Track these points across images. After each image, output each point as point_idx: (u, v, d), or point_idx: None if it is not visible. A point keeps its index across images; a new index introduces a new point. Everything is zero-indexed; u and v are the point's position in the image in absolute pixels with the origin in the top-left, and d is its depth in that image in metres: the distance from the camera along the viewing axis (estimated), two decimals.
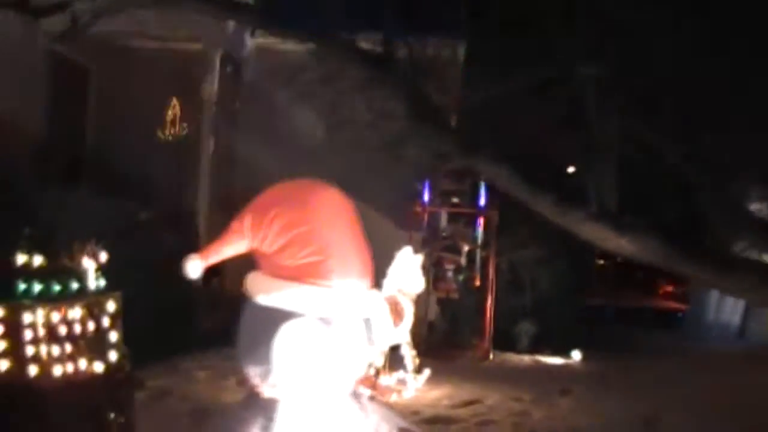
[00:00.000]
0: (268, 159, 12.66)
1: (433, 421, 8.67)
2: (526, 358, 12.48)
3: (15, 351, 6.48)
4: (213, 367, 10.35)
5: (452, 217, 12.54)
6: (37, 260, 6.56)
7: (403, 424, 5.15)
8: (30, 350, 6.45)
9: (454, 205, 11.87)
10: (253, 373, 4.79)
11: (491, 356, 11.99)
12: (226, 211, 12.33)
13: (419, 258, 9.81)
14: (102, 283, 7.01)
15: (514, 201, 11.81)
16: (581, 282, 13.63)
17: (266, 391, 4.82)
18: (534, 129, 7.86)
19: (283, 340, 4.68)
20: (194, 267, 4.89)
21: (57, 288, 6.60)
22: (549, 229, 12.60)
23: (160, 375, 9.18)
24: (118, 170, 11.59)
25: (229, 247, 4.86)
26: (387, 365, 9.37)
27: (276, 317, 4.72)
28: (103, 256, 7.06)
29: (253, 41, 12.52)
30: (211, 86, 11.98)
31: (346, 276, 4.81)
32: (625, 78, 7.53)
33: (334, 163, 12.61)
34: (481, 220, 12.30)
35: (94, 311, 6.90)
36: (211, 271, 9.87)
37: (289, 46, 12.69)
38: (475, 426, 8.60)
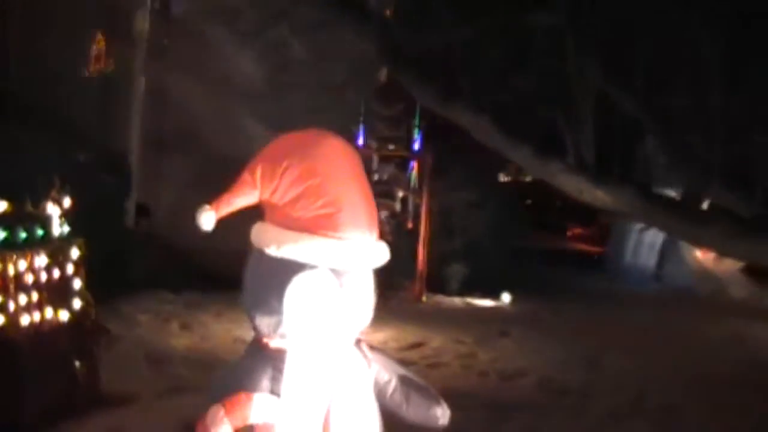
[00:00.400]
0: (202, 99, 12.46)
1: None
2: (457, 300, 12.67)
3: None
4: (152, 311, 10.26)
5: (387, 162, 12.54)
6: (0, 206, 6.34)
7: (402, 371, 5.19)
8: None
9: (391, 151, 11.86)
10: (262, 323, 4.77)
11: (424, 298, 12.13)
12: (158, 152, 12.17)
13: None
14: (66, 229, 6.83)
15: (447, 146, 12.01)
16: (510, 225, 13.85)
17: (274, 341, 4.82)
18: (505, 76, 7.85)
19: (295, 291, 4.66)
20: (208, 218, 4.81)
21: (23, 235, 6.39)
22: (480, 174, 12.87)
23: (105, 320, 9.01)
24: (44, 107, 11.23)
25: (241, 198, 4.79)
26: None
27: (288, 268, 4.69)
28: (67, 202, 6.87)
29: None
30: (143, 21, 11.59)
31: (357, 228, 4.79)
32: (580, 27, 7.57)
33: (270, 104, 12.53)
34: (414, 164, 12.34)
35: (58, 258, 6.75)
36: (141, 213, 9.73)
37: None
38: (427, 368, 8.73)
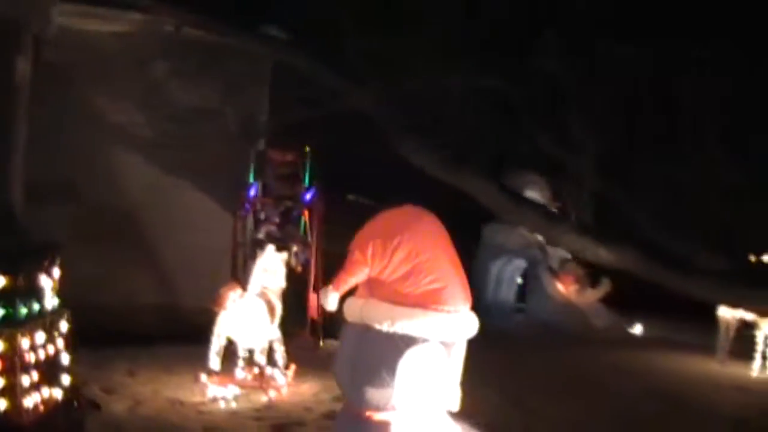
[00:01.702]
0: (83, 147, 12.02)
1: (332, 416, 8.76)
2: None
3: None
4: None
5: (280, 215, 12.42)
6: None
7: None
8: (0, 382, 5.90)
9: (287, 209, 11.80)
10: (372, 397, 4.83)
11: (321, 344, 12.14)
12: (44, 203, 11.53)
13: (282, 256, 9.90)
14: (56, 301, 6.51)
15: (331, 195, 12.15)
16: None
17: (380, 414, 4.88)
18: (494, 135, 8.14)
19: (409, 364, 4.78)
20: (333, 299, 4.86)
21: (23, 311, 6.04)
22: (362, 218, 13.08)
23: None
24: None
25: (355, 277, 4.89)
26: (247, 363, 9.43)
27: (400, 343, 4.80)
28: (57, 273, 6.54)
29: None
30: (25, 65, 10.98)
31: (461, 300, 5.00)
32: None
33: (155, 154, 12.27)
34: (305, 215, 12.29)
35: (52, 333, 6.41)
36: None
37: (93, 26, 12.06)
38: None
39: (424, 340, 4.84)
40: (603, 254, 7.32)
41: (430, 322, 4.85)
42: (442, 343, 4.92)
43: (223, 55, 11.83)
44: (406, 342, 4.82)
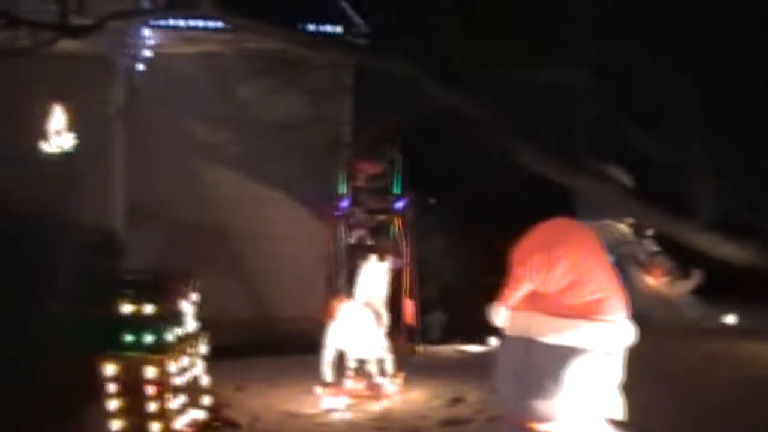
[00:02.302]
0: (175, 168, 12.22)
1: (448, 423, 8.85)
2: (447, 348, 12.85)
3: (136, 408, 6.05)
4: None
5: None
6: (148, 309, 6.11)
7: None
8: (152, 406, 6.04)
9: (379, 223, 11.84)
10: (537, 409, 4.88)
11: (419, 349, 12.24)
12: (143, 225, 11.77)
13: (385, 265, 9.98)
14: (196, 325, 6.65)
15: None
16: (482, 267, 14.15)
17: (544, 425, 4.93)
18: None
19: (575, 375, 4.82)
20: (501, 315, 4.92)
21: (169, 336, 6.18)
22: (447, 222, 13.18)
23: None
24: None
25: (519, 292, 4.93)
26: (356, 373, 9.52)
27: (565, 354, 4.84)
28: (196, 297, 6.69)
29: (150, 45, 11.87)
30: (119, 93, 11.28)
31: (622, 310, 5.02)
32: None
33: (246, 171, 12.43)
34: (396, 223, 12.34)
35: (194, 356, 6.55)
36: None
37: (180, 49, 12.26)
38: (487, 422, 8.84)
39: (588, 351, 4.87)
40: (729, 251, 7.31)
41: (594, 332, 4.88)
42: (605, 352, 4.95)
43: (306, 67, 11.95)
44: (570, 353, 4.85)
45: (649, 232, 6.33)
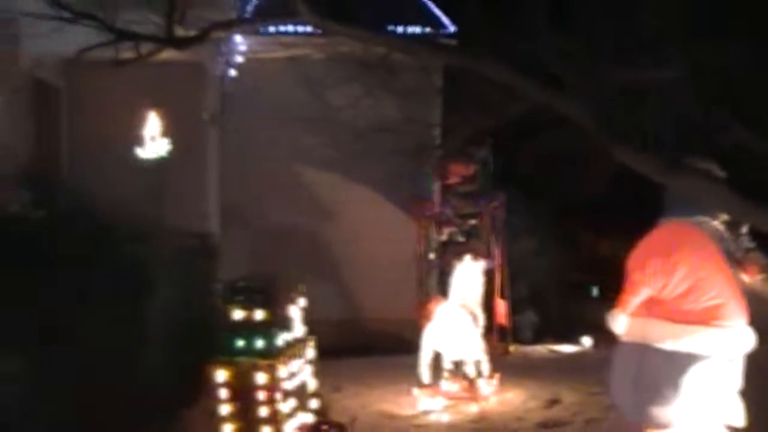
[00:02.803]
0: (270, 171, 12.38)
1: (546, 425, 8.84)
2: (540, 348, 12.83)
3: (246, 412, 6.15)
4: None
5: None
6: (259, 315, 6.20)
7: None
8: (263, 410, 6.13)
9: (472, 227, 11.82)
10: (654, 415, 4.87)
11: (511, 349, 12.23)
12: (235, 229, 11.95)
13: (480, 265, 9.93)
14: (303, 329, 6.74)
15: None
16: (572, 267, 14.15)
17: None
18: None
19: (694, 381, 4.79)
20: (621, 322, 4.91)
21: (278, 341, 6.27)
22: (537, 221, 13.13)
23: None
24: (96, 194, 10.94)
25: (637, 298, 4.91)
26: (452, 374, 9.50)
27: (684, 361, 4.81)
28: (303, 302, 6.78)
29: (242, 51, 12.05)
30: (213, 99, 11.47)
31: (741, 315, 4.97)
32: None
33: (340, 172, 12.52)
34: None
35: (302, 360, 6.65)
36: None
37: (271, 54, 12.38)
38: (586, 424, 8.83)
39: (706, 357, 4.84)
40: None
41: (712, 338, 4.85)
42: (723, 358, 4.91)
43: (396, 70, 11.95)
44: (689, 359, 4.83)
45: (744, 229, 6.23)
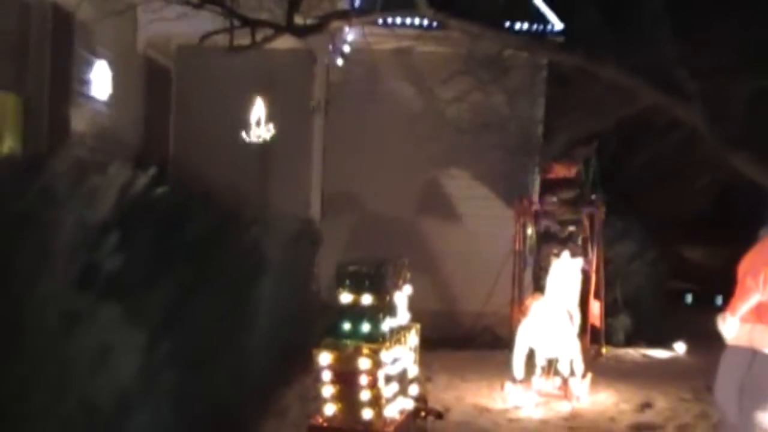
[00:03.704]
0: (364, 160, 12.56)
1: (638, 428, 8.83)
2: (632, 352, 12.79)
3: (349, 395, 6.31)
4: None
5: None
6: (367, 299, 6.35)
7: None
8: (365, 395, 6.27)
9: (570, 235, 11.74)
10: (759, 420, 4.91)
11: (604, 350, 12.21)
12: (335, 217, 12.16)
13: (578, 262, 9.89)
14: (408, 316, 6.88)
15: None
16: (668, 273, 14.06)
17: None
18: None
19: None
20: (731, 324, 4.96)
21: (383, 327, 6.41)
22: (636, 225, 13.04)
23: None
24: (202, 177, 11.20)
25: (747, 303, 4.94)
26: (544, 371, 9.50)
27: None
28: (408, 289, 6.92)
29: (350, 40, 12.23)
30: (320, 87, 11.69)
31: None
32: None
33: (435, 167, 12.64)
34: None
35: (404, 346, 6.78)
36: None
37: (377, 45, 12.52)
38: (677, 430, 8.79)
39: None
40: None
41: None
42: None
43: (502, 67, 12.03)
44: None
45: None
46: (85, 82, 9.79)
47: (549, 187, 12.05)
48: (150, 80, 11.84)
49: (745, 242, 5.38)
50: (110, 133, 10.32)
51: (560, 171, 11.90)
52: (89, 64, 9.84)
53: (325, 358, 6.31)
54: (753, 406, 4.68)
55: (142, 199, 5.37)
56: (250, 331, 7.31)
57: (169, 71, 12.70)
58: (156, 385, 4.93)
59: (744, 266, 4.87)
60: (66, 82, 9.29)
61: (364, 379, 6.19)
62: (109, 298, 4.24)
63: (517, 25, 13.08)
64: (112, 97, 10.34)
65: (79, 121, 9.46)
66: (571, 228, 11.39)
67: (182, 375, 5.38)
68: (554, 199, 11.61)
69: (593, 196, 11.82)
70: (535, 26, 13.22)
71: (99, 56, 10.01)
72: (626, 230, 13.04)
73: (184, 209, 5.35)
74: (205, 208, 6.09)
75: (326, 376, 6.34)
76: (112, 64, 10.37)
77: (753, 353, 4.74)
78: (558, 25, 13.41)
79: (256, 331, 7.43)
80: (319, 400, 6.41)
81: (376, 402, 6.24)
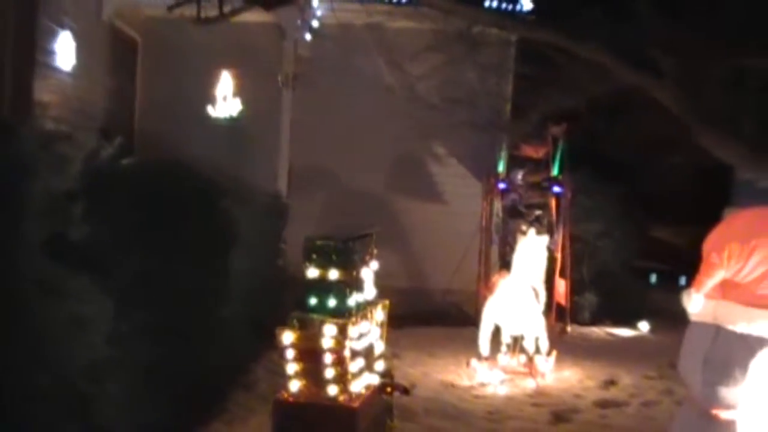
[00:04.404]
0: (334, 136, 12.53)
1: (603, 405, 8.89)
2: (597, 330, 12.88)
3: (314, 370, 6.29)
4: None
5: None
6: (334, 274, 6.31)
7: None
8: (330, 372, 6.26)
9: (537, 218, 11.74)
10: (722, 395, 4.93)
11: (569, 329, 12.28)
12: (302, 192, 12.11)
13: (544, 239, 9.92)
14: (374, 291, 6.86)
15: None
16: (636, 252, 14.15)
17: (726, 413, 4.98)
18: None
19: (761, 365, 4.84)
20: (696, 300, 4.97)
21: (351, 302, 6.38)
22: (604, 204, 13.11)
23: None
24: (167, 149, 11.15)
25: (712, 279, 4.96)
26: (510, 348, 9.56)
27: (755, 343, 4.87)
28: (375, 265, 6.90)
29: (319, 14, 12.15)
30: (289, 62, 11.62)
31: None
32: None
33: (405, 144, 12.62)
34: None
35: (370, 322, 6.76)
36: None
37: (347, 19, 12.45)
38: (642, 406, 8.87)
39: None
40: None
41: None
42: None
43: (471, 44, 11.99)
44: (760, 343, 4.89)
45: None
46: (50, 53, 9.64)
47: (518, 164, 12.06)
48: (116, 51, 11.69)
49: (712, 222, 5.42)
50: (75, 104, 10.21)
51: (529, 152, 11.90)
52: (53, 35, 9.70)
53: (288, 337, 6.26)
54: (716, 380, 4.70)
55: (108, 168, 5.32)
56: (219, 303, 7.30)
57: (136, 42, 12.55)
58: (127, 356, 4.90)
59: (709, 243, 4.88)
60: (29, 53, 9.15)
61: (328, 358, 6.15)
62: (80, 269, 4.20)
63: (487, 3, 13.02)
64: (77, 67, 10.20)
65: (43, 92, 9.33)
66: (538, 212, 11.36)
67: (152, 346, 5.36)
68: (520, 175, 11.59)
69: (560, 177, 11.82)
70: (504, 5, 13.16)
71: (64, 26, 9.86)
72: (595, 209, 13.06)
73: (152, 179, 5.30)
74: (177, 177, 6.04)
75: (290, 354, 6.30)
76: (77, 35, 10.22)
77: (717, 329, 4.75)
78: (527, 4, 13.37)
79: (225, 304, 7.42)
80: (285, 377, 6.38)
81: (341, 378, 6.20)
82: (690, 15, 8.13)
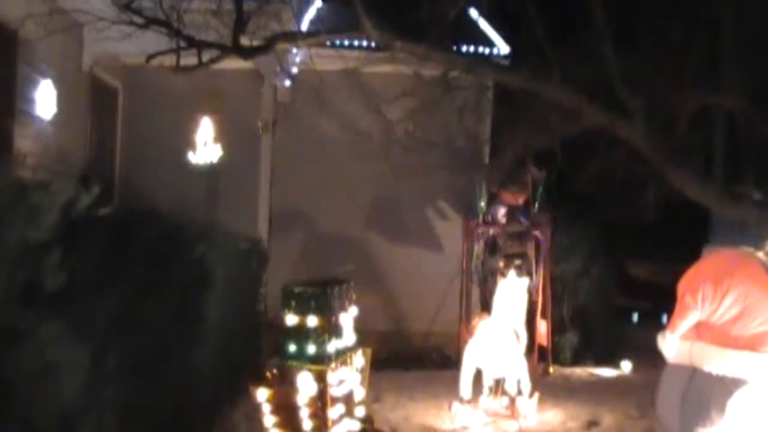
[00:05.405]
0: (312, 180, 12.58)
1: None
2: (579, 371, 12.88)
3: (294, 417, 6.29)
4: None
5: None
6: (312, 321, 6.34)
7: None
8: (308, 424, 6.26)
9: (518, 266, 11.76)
10: None
11: (551, 370, 12.28)
12: (283, 236, 12.14)
13: (524, 281, 9.97)
14: (354, 337, 6.87)
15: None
16: (615, 290, 14.21)
17: None
18: None
19: (738, 405, 4.88)
20: (671, 342, 5.02)
21: (331, 349, 6.40)
22: (580, 243, 13.17)
23: None
24: (148, 196, 11.14)
25: (687, 321, 5.01)
26: (492, 391, 9.54)
27: (730, 384, 4.91)
28: (354, 311, 6.92)
29: (297, 60, 12.24)
30: (268, 107, 11.69)
31: None
32: None
33: (383, 186, 12.68)
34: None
35: (351, 368, 6.78)
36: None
37: (324, 66, 12.53)
38: None
39: (753, 382, 4.94)
40: None
41: (760, 364, 4.94)
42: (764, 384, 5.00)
43: (448, 87, 12.08)
44: (735, 384, 4.93)
45: None
46: (30, 101, 9.67)
47: (498, 205, 12.16)
48: (96, 99, 11.73)
49: (691, 260, 5.46)
50: (55, 152, 10.21)
51: (509, 199, 11.98)
52: (34, 83, 9.73)
53: (262, 393, 6.29)
54: (693, 421, 4.73)
55: (85, 218, 5.31)
56: (197, 349, 7.27)
57: (116, 90, 12.60)
58: (101, 402, 4.87)
59: (683, 284, 4.94)
60: (9, 101, 9.17)
61: (305, 412, 6.17)
62: (53, 316, 4.18)
63: (464, 48, 13.18)
64: (57, 115, 10.22)
65: (22, 140, 9.34)
66: (518, 262, 11.33)
67: (128, 391, 5.33)
68: (501, 212, 11.67)
69: (539, 217, 11.90)
70: (481, 49, 13.31)
71: (44, 75, 9.90)
72: (573, 247, 13.12)
73: (129, 226, 5.29)
74: (150, 225, 6.04)
75: (266, 408, 6.31)
76: (57, 83, 10.25)
77: (693, 371, 4.79)
78: (504, 48, 13.53)
79: (203, 350, 7.39)
80: (263, 429, 6.38)
81: (323, 423, 6.20)
82: (655, 55, 8.26)
